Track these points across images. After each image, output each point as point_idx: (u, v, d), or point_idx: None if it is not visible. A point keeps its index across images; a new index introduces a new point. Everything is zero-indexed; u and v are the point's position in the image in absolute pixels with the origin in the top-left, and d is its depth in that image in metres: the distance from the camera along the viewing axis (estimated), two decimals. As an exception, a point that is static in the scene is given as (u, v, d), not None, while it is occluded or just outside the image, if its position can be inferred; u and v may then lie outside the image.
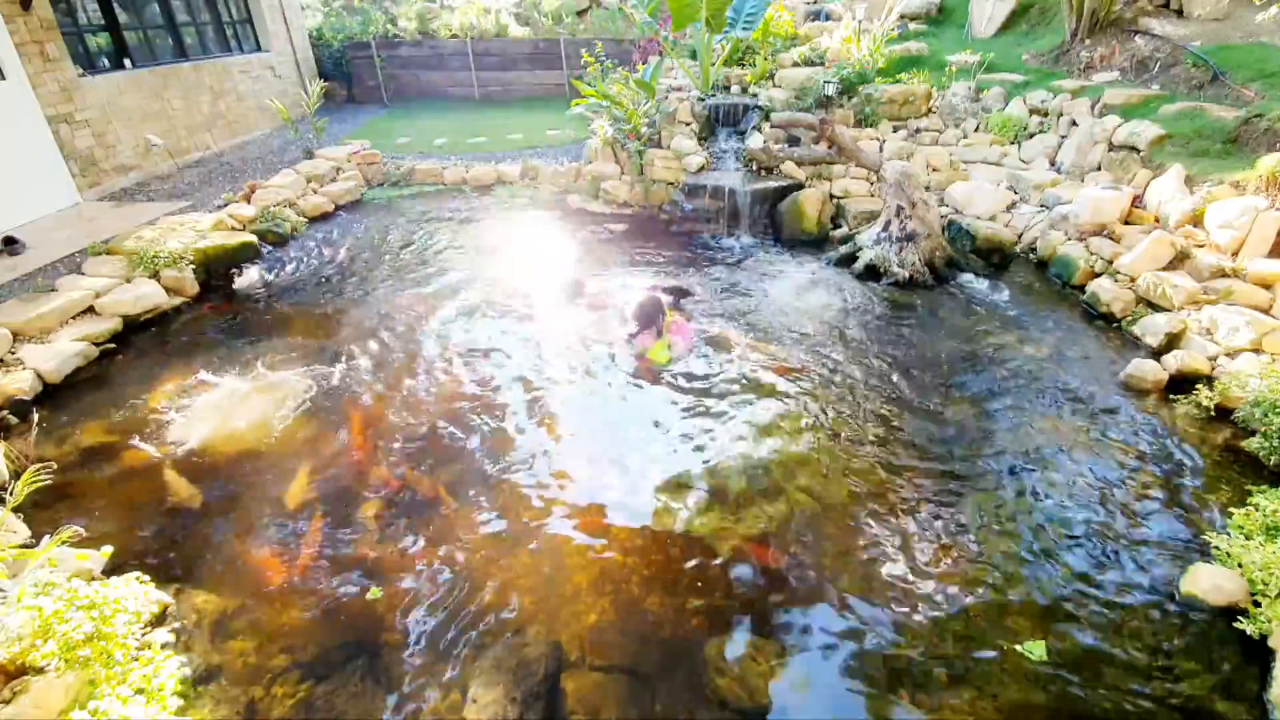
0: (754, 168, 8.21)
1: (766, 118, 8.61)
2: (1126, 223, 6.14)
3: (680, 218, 8.09)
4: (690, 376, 4.93)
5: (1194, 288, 5.15)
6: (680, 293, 5.07)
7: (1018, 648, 2.80)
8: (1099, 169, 6.98)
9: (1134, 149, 6.64)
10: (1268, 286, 4.96)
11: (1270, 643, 2.84)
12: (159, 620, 3.00)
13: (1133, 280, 5.56)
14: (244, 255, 6.88)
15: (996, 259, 6.72)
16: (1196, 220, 5.67)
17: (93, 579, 3.02)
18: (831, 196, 7.91)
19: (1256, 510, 3.47)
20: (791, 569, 3.34)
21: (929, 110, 8.90)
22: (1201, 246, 5.47)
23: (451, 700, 2.72)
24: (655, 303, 5.22)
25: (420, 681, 2.80)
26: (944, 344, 5.38)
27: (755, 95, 9.01)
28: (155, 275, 5.98)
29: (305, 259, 7.12)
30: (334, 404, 4.65)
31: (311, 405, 4.62)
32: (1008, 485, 3.88)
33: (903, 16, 10.34)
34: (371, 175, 9.51)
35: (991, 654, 2.90)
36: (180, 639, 2.93)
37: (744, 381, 4.86)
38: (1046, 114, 7.94)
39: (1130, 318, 5.44)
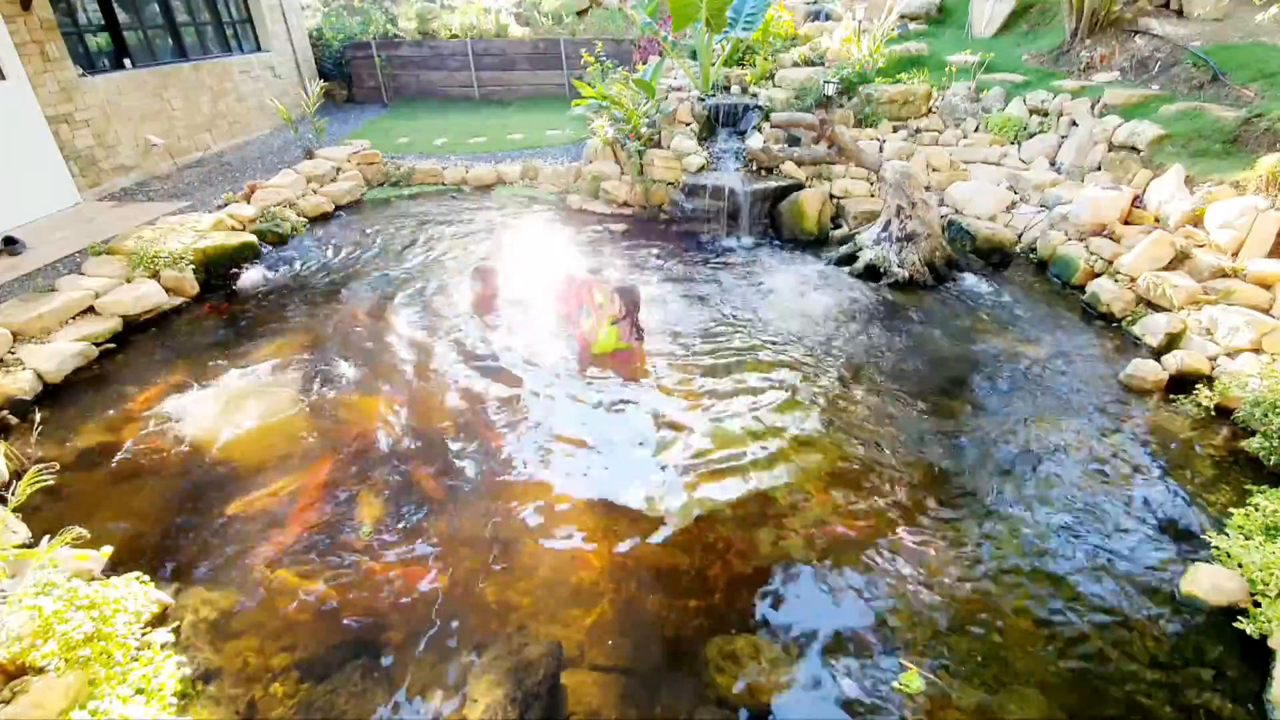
0: (754, 168, 8.20)
1: (766, 118, 8.60)
2: (1126, 223, 6.15)
3: (680, 218, 8.08)
4: (688, 377, 4.93)
5: (1194, 288, 5.15)
6: (633, 302, 5.17)
7: (894, 683, 2.77)
8: (1099, 169, 6.99)
9: (1134, 149, 6.64)
10: (1268, 286, 4.96)
11: (1270, 643, 2.84)
12: (159, 620, 3.00)
13: (1133, 280, 5.56)
14: (244, 255, 6.88)
15: (996, 259, 6.72)
16: (1196, 220, 5.67)
17: (93, 579, 3.02)
18: (831, 196, 7.91)
19: (1256, 510, 3.47)
20: (790, 567, 3.34)
21: (929, 110, 8.90)
22: (1201, 246, 5.47)
23: (451, 700, 2.72)
24: (632, 292, 5.24)
25: (420, 681, 2.80)
26: (943, 344, 5.38)
27: (755, 95, 9.01)
28: (155, 275, 5.98)
29: (305, 259, 7.11)
30: (333, 404, 4.65)
31: (311, 405, 4.62)
32: (1007, 485, 3.88)
33: (903, 16, 10.35)
34: (371, 175, 9.51)
35: (992, 653, 2.90)
36: (180, 639, 2.93)
37: (742, 381, 4.86)
38: (1046, 114, 7.94)
39: (1130, 318, 5.44)
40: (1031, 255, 6.75)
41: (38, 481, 3.20)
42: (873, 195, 7.85)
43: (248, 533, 3.56)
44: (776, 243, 7.65)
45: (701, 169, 8.13)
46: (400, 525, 3.61)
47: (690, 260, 7.15)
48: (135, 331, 5.57)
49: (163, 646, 2.81)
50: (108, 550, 3.12)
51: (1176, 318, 5.12)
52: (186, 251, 6.29)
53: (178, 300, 6.04)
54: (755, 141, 8.31)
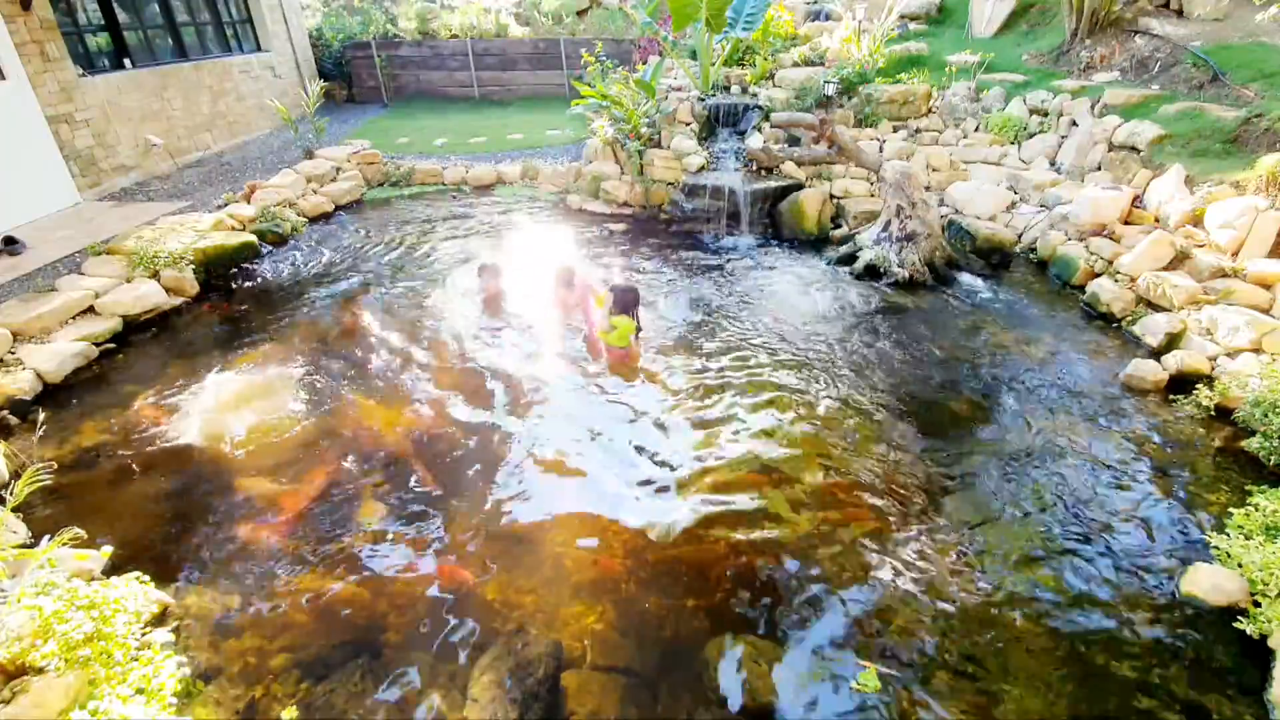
0: (754, 168, 8.20)
1: (766, 118, 8.60)
2: (1126, 223, 6.15)
3: (680, 218, 8.08)
4: (688, 377, 4.93)
5: (1194, 288, 5.15)
6: (634, 297, 5.19)
7: (852, 684, 2.77)
8: (1099, 169, 6.99)
9: (1134, 149, 6.64)
10: (1268, 286, 4.96)
11: (1270, 643, 2.84)
12: (159, 620, 3.00)
13: (1133, 280, 5.56)
14: (244, 255, 6.88)
15: (996, 259, 6.72)
16: (1196, 220, 5.67)
17: (93, 579, 3.02)
18: (831, 196, 7.91)
19: (1256, 510, 3.47)
20: (790, 568, 3.34)
21: (929, 110, 8.90)
22: (1201, 246, 5.47)
23: (451, 700, 2.72)
24: (632, 290, 5.23)
25: (420, 681, 2.80)
26: (943, 344, 5.38)
27: (755, 95, 9.01)
28: (155, 275, 5.98)
29: (305, 259, 7.11)
30: (333, 404, 4.65)
31: (311, 405, 4.62)
32: (1007, 485, 3.88)
33: (903, 16, 10.34)
34: (371, 175, 9.51)
35: (992, 654, 2.90)
36: (180, 639, 2.93)
37: (742, 381, 4.86)
38: (1046, 114, 7.94)
39: (1130, 318, 5.44)
40: (1031, 255, 6.75)
41: (35, 481, 3.20)
42: (873, 195, 7.85)
43: (247, 532, 3.56)
44: (776, 243, 7.65)
45: (701, 169, 8.13)
46: (400, 525, 3.61)
47: (690, 260, 7.15)
48: (135, 331, 5.57)
49: (163, 646, 2.81)
50: (108, 550, 3.12)
51: (1176, 318, 5.12)
52: (186, 251, 6.29)
53: (178, 300, 6.04)
54: (755, 141, 8.30)
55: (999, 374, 4.96)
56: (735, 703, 2.72)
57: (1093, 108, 7.36)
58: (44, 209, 7.37)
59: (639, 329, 5.19)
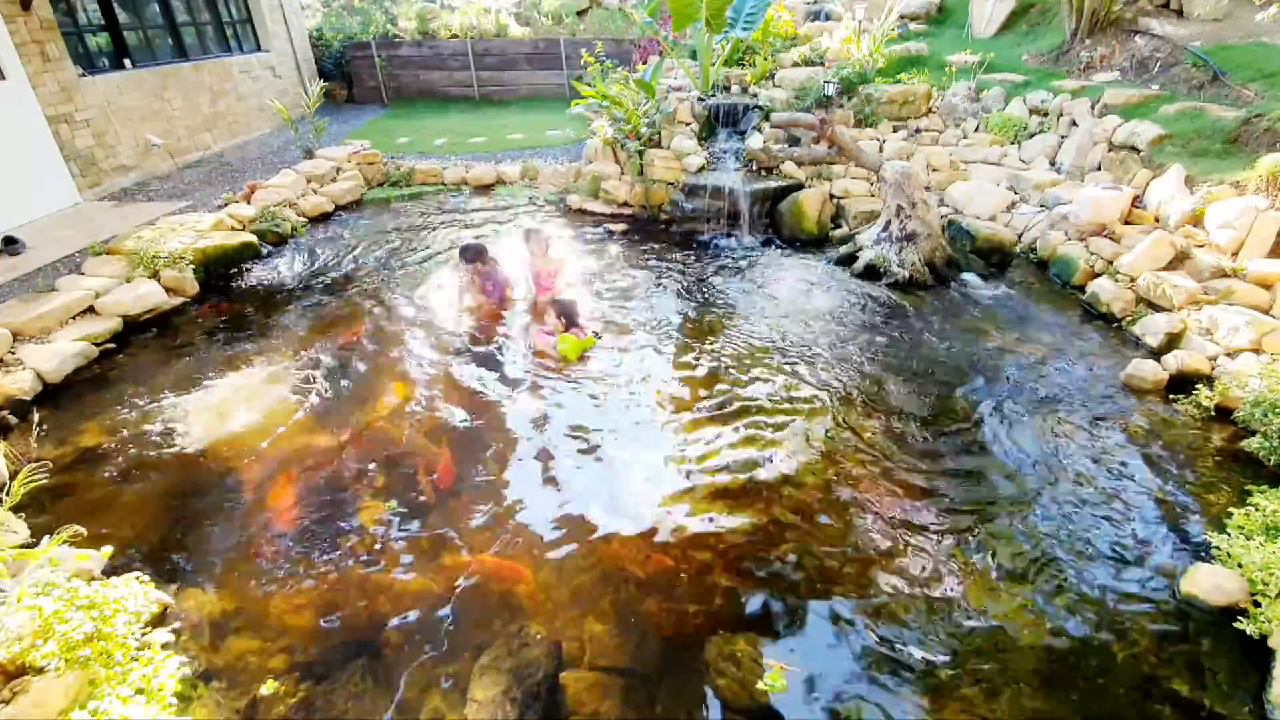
0: (754, 168, 8.20)
1: (766, 118, 8.60)
2: (1126, 223, 6.14)
3: (680, 218, 8.08)
4: (686, 378, 4.93)
5: (1194, 288, 5.15)
6: (570, 310, 5.29)
7: (759, 685, 2.75)
8: (1099, 169, 6.98)
9: (1134, 149, 6.64)
10: (1268, 286, 4.96)
11: (1270, 643, 2.84)
12: (159, 620, 3.00)
13: (1133, 280, 5.55)
14: (244, 255, 6.89)
15: (996, 259, 6.72)
16: (1196, 220, 5.67)
17: (93, 579, 3.02)
18: (831, 196, 7.91)
19: (1256, 510, 3.46)
20: (790, 570, 3.34)
21: (929, 110, 8.90)
22: (1201, 246, 5.47)
23: (451, 700, 2.72)
24: (571, 302, 5.35)
25: (420, 681, 2.80)
26: (943, 344, 5.38)
27: (755, 95, 9.00)
28: (155, 275, 5.98)
29: (305, 259, 7.12)
30: (333, 405, 4.65)
31: (310, 406, 4.62)
32: (1006, 485, 3.88)
33: (903, 16, 10.34)
34: (371, 175, 9.52)
35: (991, 653, 2.90)
36: (180, 639, 2.93)
37: (740, 383, 4.86)
38: (1046, 114, 7.94)
39: (1130, 318, 5.43)
40: (1031, 255, 6.75)
41: (31, 481, 3.20)
42: (873, 195, 7.85)
43: (247, 532, 3.56)
44: (776, 243, 7.64)
45: (701, 169, 8.13)
46: (400, 525, 3.61)
47: (690, 260, 7.15)
48: (135, 331, 5.57)
49: (163, 646, 2.81)
50: (108, 550, 3.12)
51: (1176, 318, 5.12)
52: (186, 251, 6.30)
53: (178, 300, 6.04)
54: (755, 141, 8.30)
55: (999, 374, 4.96)
56: (735, 703, 2.72)
57: (1093, 108, 7.36)
58: (44, 209, 7.38)
59: (598, 336, 5.33)
